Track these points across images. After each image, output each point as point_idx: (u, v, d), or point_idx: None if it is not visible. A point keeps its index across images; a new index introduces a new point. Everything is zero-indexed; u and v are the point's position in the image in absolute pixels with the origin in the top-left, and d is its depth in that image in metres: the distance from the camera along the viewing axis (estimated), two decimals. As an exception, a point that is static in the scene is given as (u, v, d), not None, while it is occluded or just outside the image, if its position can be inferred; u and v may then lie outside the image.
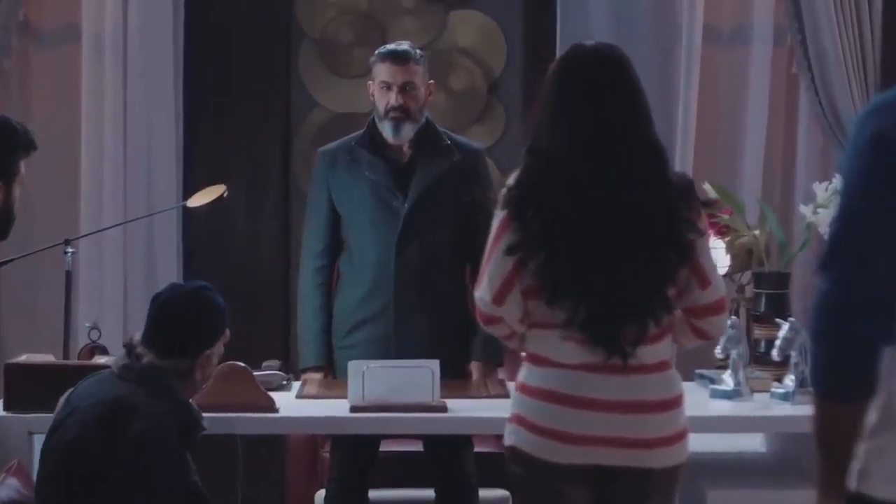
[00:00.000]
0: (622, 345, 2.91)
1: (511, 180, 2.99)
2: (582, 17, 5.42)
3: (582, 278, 2.90)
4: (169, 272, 5.40)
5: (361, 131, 4.37)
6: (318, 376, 4.30)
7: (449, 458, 4.29)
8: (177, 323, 3.39)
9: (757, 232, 4.68)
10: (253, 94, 5.70)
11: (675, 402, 3.00)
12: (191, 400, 3.47)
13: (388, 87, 4.23)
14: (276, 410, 3.86)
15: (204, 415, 3.49)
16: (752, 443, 4.43)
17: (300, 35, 5.79)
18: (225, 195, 4.55)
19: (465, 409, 3.91)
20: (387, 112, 4.23)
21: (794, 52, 5.53)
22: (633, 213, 2.91)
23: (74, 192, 5.48)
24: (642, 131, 2.96)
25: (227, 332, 3.49)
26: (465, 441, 4.30)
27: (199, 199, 4.55)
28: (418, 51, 4.31)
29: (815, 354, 2.19)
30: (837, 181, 4.63)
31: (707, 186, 4.51)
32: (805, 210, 4.68)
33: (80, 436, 3.25)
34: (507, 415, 3.07)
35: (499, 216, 2.97)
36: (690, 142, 5.42)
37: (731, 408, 3.98)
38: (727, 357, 4.10)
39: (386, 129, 4.26)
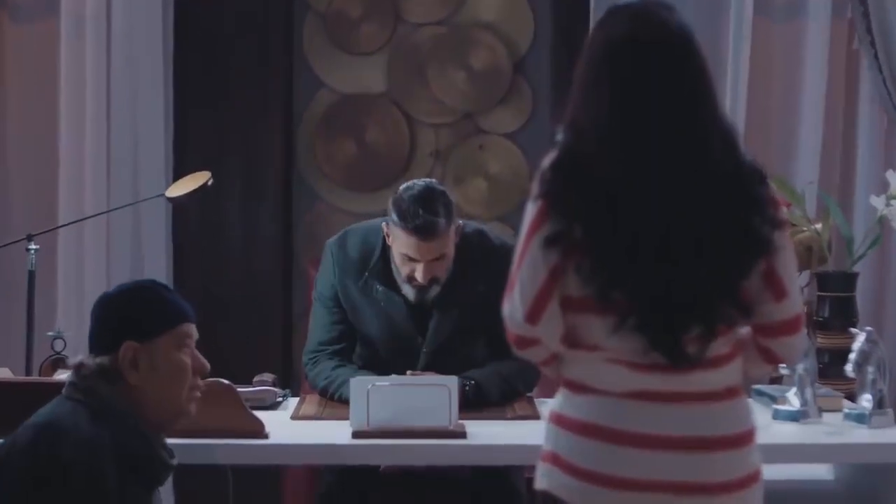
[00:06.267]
0: (684, 349, 2.47)
1: (546, 162, 2.56)
2: (617, -14, 5.02)
3: (636, 275, 2.47)
4: (157, 274, 5.03)
5: (375, 249, 3.89)
6: None
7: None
8: (102, 312, 2.95)
9: (818, 226, 4.46)
10: (252, 74, 5.44)
11: (745, 438, 2.56)
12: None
13: (412, 259, 3.77)
14: (266, 436, 3.45)
15: (182, 441, 3.09)
16: (818, 470, 4.03)
17: (304, 8, 5.56)
18: (210, 183, 4.20)
19: (486, 434, 3.48)
20: (409, 279, 3.81)
21: (855, 26, 5.19)
22: (697, 198, 2.48)
23: (53, 184, 5.16)
24: (702, 104, 2.53)
25: (183, 329, 2.94)
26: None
27: (180, 189, 4.20)
28: (445, 201, 3.74)
29: None
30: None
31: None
32: (876, 202, 4.42)
33: (5, 461, 2.81)
34: (536, 441, 2.66)
35: (533, 206, 2.54)
36: (740, 125, 5.06)
37: (800, 433, 3.57)
38: (792, 372, 3.69)
39: (406, 291, 3.84)
